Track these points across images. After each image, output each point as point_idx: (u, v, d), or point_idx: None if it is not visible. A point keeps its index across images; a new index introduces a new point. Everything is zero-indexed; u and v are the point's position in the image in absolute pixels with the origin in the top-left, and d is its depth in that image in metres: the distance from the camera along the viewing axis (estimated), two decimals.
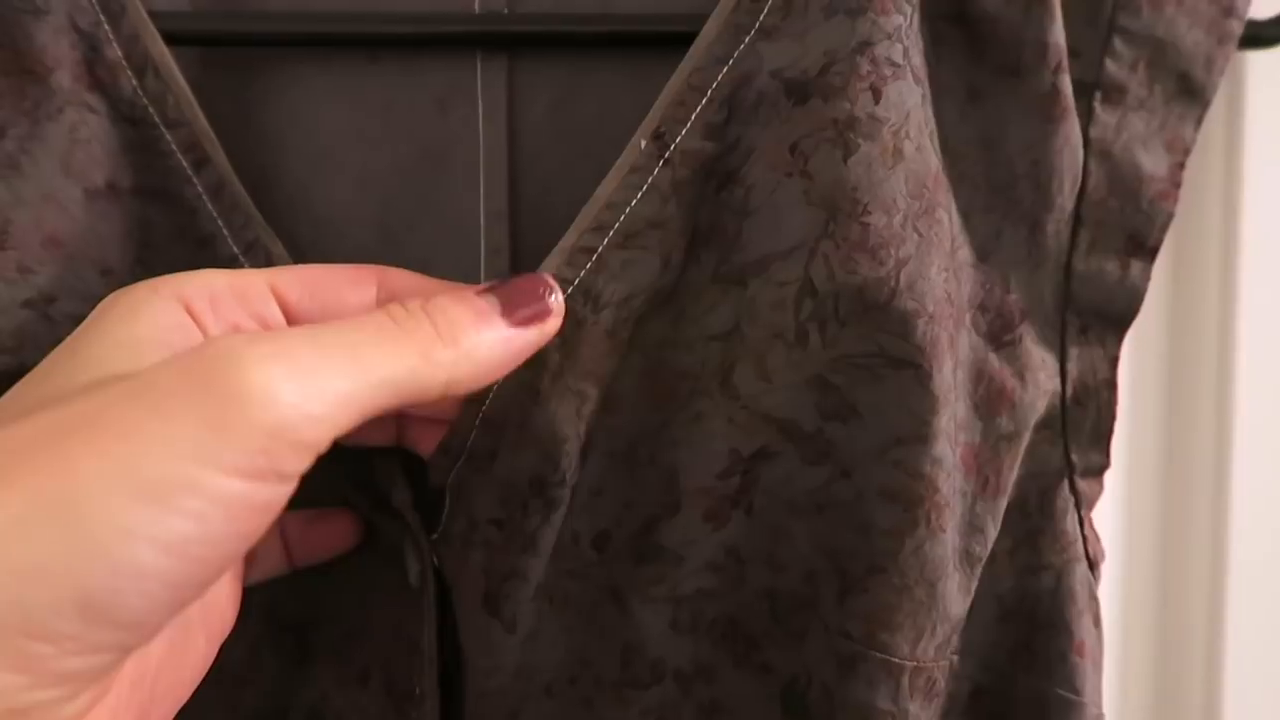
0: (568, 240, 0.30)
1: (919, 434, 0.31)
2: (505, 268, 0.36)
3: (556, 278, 0.30)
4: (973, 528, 0.33)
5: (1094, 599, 0.35)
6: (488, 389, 0.31)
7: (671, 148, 0.30)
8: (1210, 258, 0.51)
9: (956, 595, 0.33)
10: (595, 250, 0.30)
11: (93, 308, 0.26)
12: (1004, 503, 0.34)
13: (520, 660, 0.32)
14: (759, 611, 0.34)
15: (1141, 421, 0.52)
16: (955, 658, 0.35)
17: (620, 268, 0.30)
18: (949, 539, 0.32)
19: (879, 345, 0.31)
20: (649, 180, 0.30)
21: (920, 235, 0.31)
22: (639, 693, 0.33)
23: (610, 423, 0.32)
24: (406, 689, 0.32)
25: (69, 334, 0.26)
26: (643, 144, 0.30)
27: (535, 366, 0.30)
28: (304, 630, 0.35)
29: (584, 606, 0.33)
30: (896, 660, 0.32)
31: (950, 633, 0.33)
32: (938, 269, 0.31)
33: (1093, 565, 0.36)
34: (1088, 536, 0.35)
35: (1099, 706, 0.35)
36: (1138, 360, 0.52)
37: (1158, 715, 0.53)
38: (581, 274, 0.30)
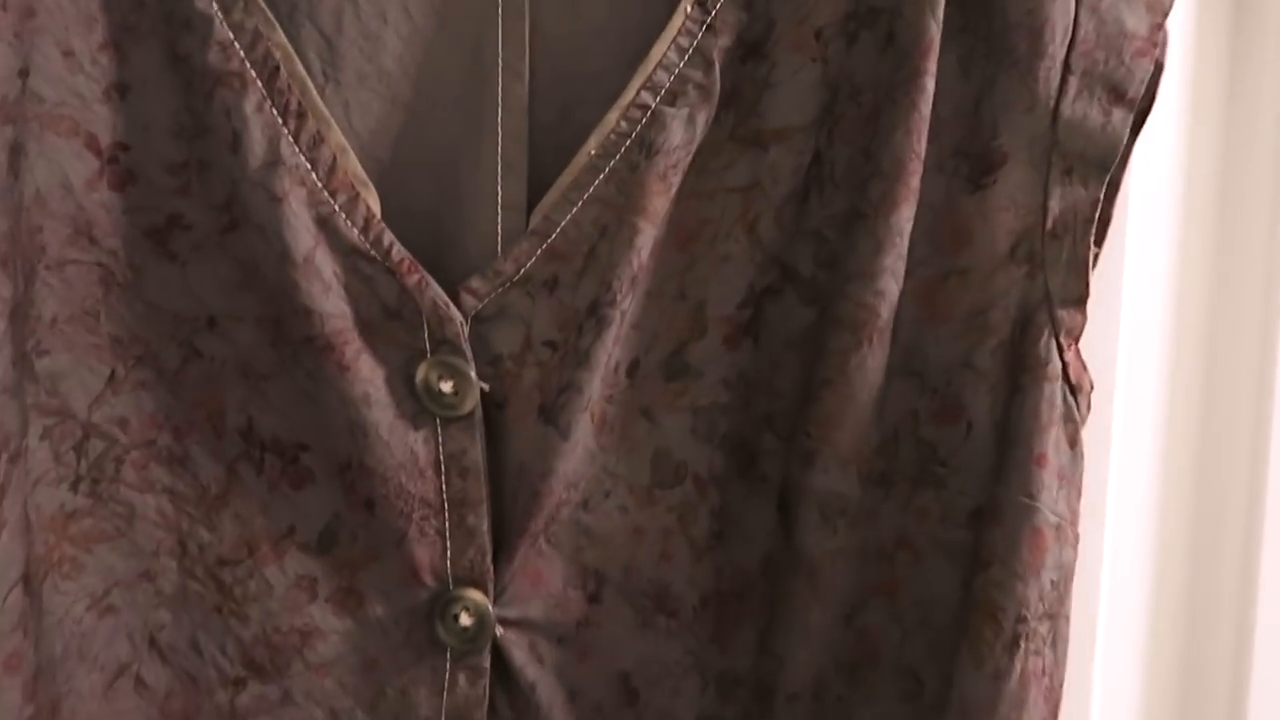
0: (624, 99, 0.37)
1: (865, 271, 0.38)
2: (522, 154, 0.40)
3: (615, 131, 0.37)
4: (914, 347, 0.39)
5: (1070, 420, 0.39)
6: (549, 221, 0.38)
7: (713, 14, 0.37)
8: (1255, 261, 0.51)
9: (893, 402, 0.39)
10: (649, 107, 0.37)
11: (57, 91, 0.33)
12: (953, 328, 0.39)
13: (568, 470, 0.39)
14: (760, 433, 0.41)
15: (1177, 424, 0.53)
16: (943, 470, 0.40)
17: (669, 121, 0.37)
18: (886, 357, 0.38)
19: (851, 202, 0.38)
20: (694, 44, 0.37)
21: (895, 102, 0.37)
22: (665, 492, 0.41)
23: (648, 264, 0.39)
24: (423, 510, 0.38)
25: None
26: (688, 9, 0.37)
27: (597, 205, 0.38)
28: (295, 454, 0.39)
29: (617, 426, 0.40)
30: (843, 452, 0.39)
31: (890, 435, 0.39)
32: (904, 131, 0.37)
33: (1075, 390, 0.39)
34: (1068, 362, 0.39)
35: (1062, 517, 0.39)
36: (1177, 364, 0.53)
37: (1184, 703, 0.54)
38: (638, 127, 0.37)
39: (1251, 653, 0.54)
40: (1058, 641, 0.40)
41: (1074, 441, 0.39)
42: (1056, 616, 0.39)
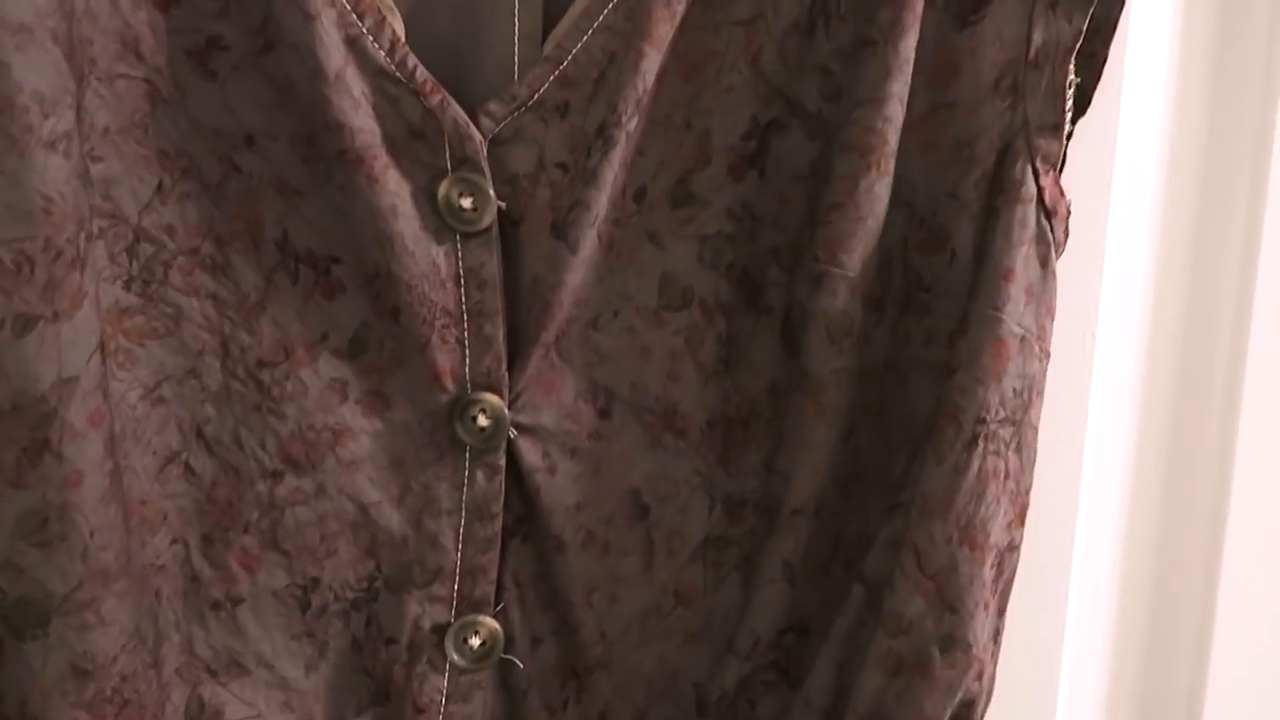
0: None
1: (874, 97, 0.40)
2: None
3: None
4: (904, 178, 0.42)
5: (1043, 242, 0.42)
6: (561, 49, 0.40)
7: None
8: (1230, 259, 0.52)
9: (888, 230, 0.42)
10: None
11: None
12: (940, 160, 0.42)
13: (576, 284, 0.42)
14: (767, 265, 0.44)
15: (1149, 422, 0.55)
16: (928, 296, 0.43)
17: None
18: (890, 184, 0.41)
19: (859, 33, 0.40)
20: None
21: None
22: (672, 315, 0.44)
23: (654, 93, 0.42)
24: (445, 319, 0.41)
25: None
26: None
27: (606, 33, 0.40)
28: (327, 265, 0.41)
29: (625, 249, 0.43)
30: (851, 274, 0.41)
31: (884, 261, 0.42)
32: None
33: (1049, 214, 0.42)
34: (1043, 187, 0.42)
35: (1028, 330, 0.42)
36: (1151, 358, 0.55)
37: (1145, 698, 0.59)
38: None
39: (1209, 653, 0.58)
40: (1022, 448, 0.43)
41: (1045, 261, 0.42)
42: (1020, 424, 0.43)
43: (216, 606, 0.43)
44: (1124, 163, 0.53)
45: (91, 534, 0.38)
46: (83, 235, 0.37)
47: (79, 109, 0.37)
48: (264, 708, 0.44)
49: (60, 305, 0.37)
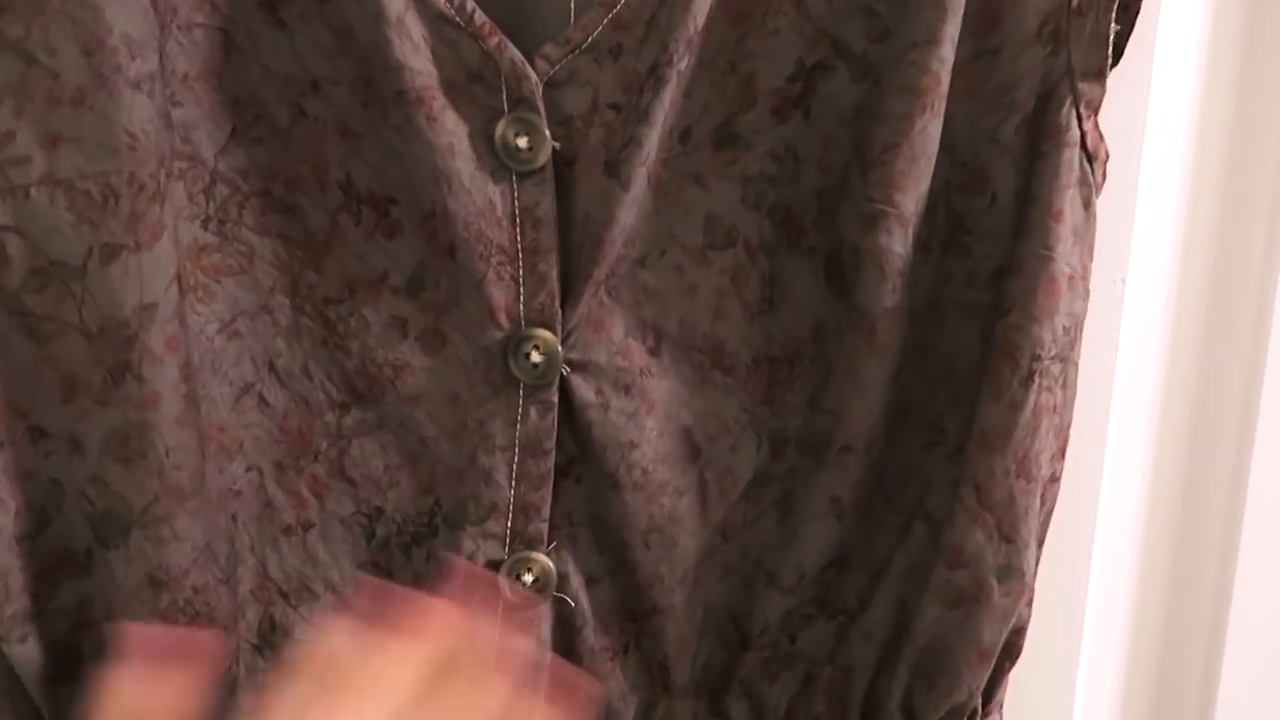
0: None
1: (931, 38, 0.41)
2: None
3: None
4: (948, 122, 0.43)
5: (1085, 184, 0.43)
6: None
7: None
8: (1260, 205, 0.52)
9: (935, 169, 0.43)
10: None
11: None
12: (982, 105, 0.43)
13: (627, 221, 0.43)
14: (809, 207, 0.45)
15: (1176, 365, 0.56)
16: (968, 238, 0.44)
17: None
18: (940, 124, 0.42)
19: None
20: None
21: None
22: (718, 253, 0.45)
23: (701, 37, 0.43)
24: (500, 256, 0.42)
25: None
26: None
27: None
28: (386, 206, 0.43)
29: (671, 189, 0.45)
30: (905, 214, 0.43)
31: (931, 203, 0.44)
32: None
33: (1091, 158, 0.43)
34: (1085, 132, 0.43)
35: (1075, 270, 0.43)
36: (1180, 302, 0.55)
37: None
38: None
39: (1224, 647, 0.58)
40: (1067, 384, 0.44)
41: (1087, 204, 0.43)
42: (1067, 360, 0.44)
43: (288, 531, 0.45)
44: (1157, 108, 0.53)
45: (167, 453, 0.41)
46: (163, 172, 0.40)
47: (162, 55, 0.40)
48: None
49: (141, 236, 0.39)
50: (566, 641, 0.48)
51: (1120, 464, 0.58)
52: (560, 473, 0.46)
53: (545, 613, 0.47)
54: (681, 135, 0.44)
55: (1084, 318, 0.44)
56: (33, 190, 0.39)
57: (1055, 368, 0.43)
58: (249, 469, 0.45)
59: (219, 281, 0.43)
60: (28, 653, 0.43)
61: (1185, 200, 0.55)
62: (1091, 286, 0.44)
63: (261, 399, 0.44)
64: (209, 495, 0.43)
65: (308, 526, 0.45)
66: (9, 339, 0.41)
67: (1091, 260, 0.44)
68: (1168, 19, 0.52)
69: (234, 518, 0.45)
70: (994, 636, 0.46)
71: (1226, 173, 0.55)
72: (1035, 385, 0.43)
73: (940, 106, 0.42)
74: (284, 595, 0.46)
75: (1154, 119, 0.53)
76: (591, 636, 0.47)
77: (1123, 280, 0.53)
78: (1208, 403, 0.58)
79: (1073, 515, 0.56)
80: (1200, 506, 0.59)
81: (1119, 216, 0.52)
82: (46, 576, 0.43)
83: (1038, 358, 0.43)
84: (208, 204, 0.42)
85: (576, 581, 0.47)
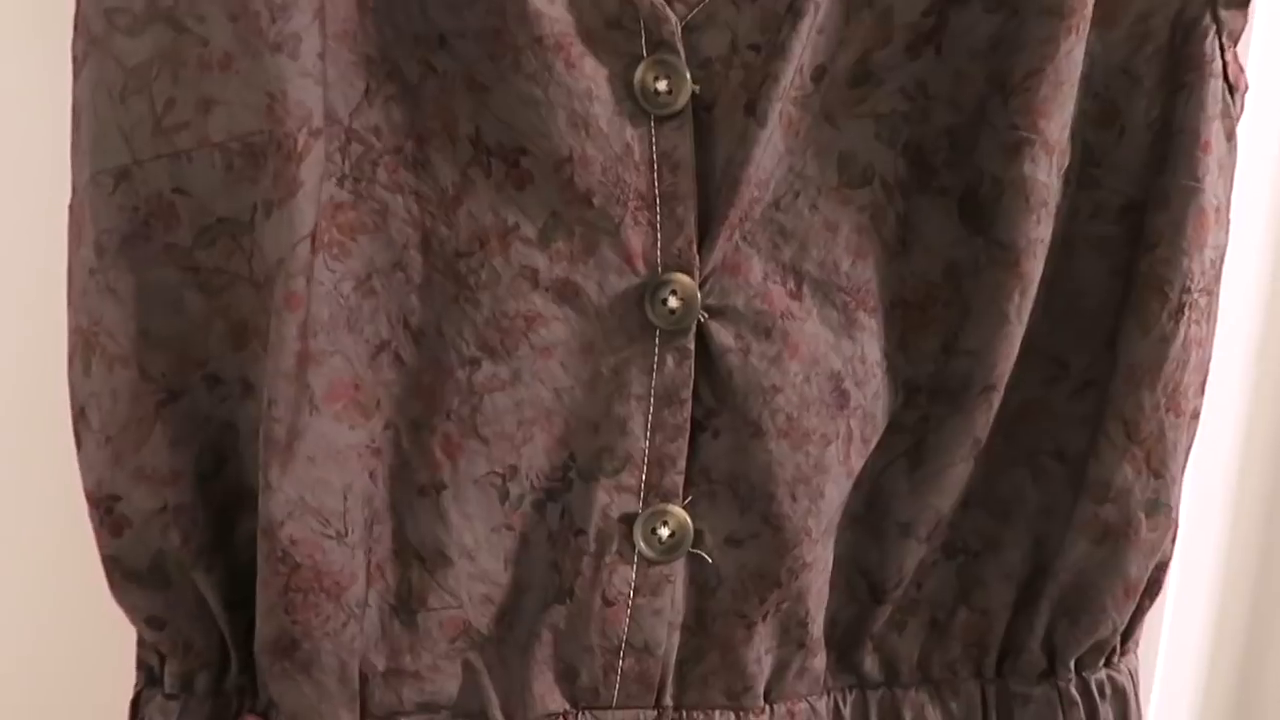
0: None
1: None
2: None
3: None
4: (1089, 45, 0.43)
5: (1227, 116, 0.43)
6: None
7: None
8: None
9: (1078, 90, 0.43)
10: None
11: None
12: (1117, 34, 0.43)
13: (764, 162, 0.43)
14: (940, 146, 0.45)
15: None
16: (1097, 170, 0.44)
17: None
18: (1083, 50, 0.42)
19: None
20: None
21: None
22: (854, 191, 0.45)
23: None
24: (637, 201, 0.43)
25: None
26: None
27: None
28: (515, 158, 0.43)
29: (803, 129, 0.44)
30: (1050, 141, 0.43)
31: (1071, 130, 0.43)
32: None
33: (1232, 89, 0.43)
34: (1228, 62, 0.42)
35: (1221, 201, 0.43)
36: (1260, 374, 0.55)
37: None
38: None
39: None
40: (1211, 318, 0.44)
41: (1230, 134, 0.43)
42: (1212, 293, 0.44)
43: (423, 492, 0.45)
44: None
45: (270, 404, 0.41)
46: (303, 131, 0.40)
47: (322, 12, 0.40)
48: (465, 598, 0.45)
49: (279, 193, 0.40)
50: (700, 604, 0.47)
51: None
52: (697, 427, 0.45)
53: (679, 571, 0.47)
54: (815, 73, 0.43)
55: (1226, 249, 0.44)
56: (194, 154, 0.40)
57: (1203, 300, 0.43)
58: (387, 427, 0.44)
59: (354, 239, 0.43)
60: (212, 581, 0.44)
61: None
62: None
63: (397, 356, 0.44)
64: (316, 451, 0.43)
65: (441, 488, 0.45)
66: (182, 294, 0.42)
67: (1232, 193, 0.44)
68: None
69: (372, 475, 0.44)
70: (1140, 571, 0.46)
71: None
72: (1185, 318, 0.43)
73: (1084, 30, 0.42)
74: (421, 560, 0.45)
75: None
76: (728, 599, 0.47)
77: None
78: None
79: None
80: None
81: None
82: (226, 512, 0.45)
83: (1187, 290, 0.43)
84: (343, 162, 0.42)
85: (714, 541, 0.46)
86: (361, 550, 0.44)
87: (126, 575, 0.44)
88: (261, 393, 0.42)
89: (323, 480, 0.43)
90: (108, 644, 0.50)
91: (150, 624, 0.44)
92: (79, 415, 0.43)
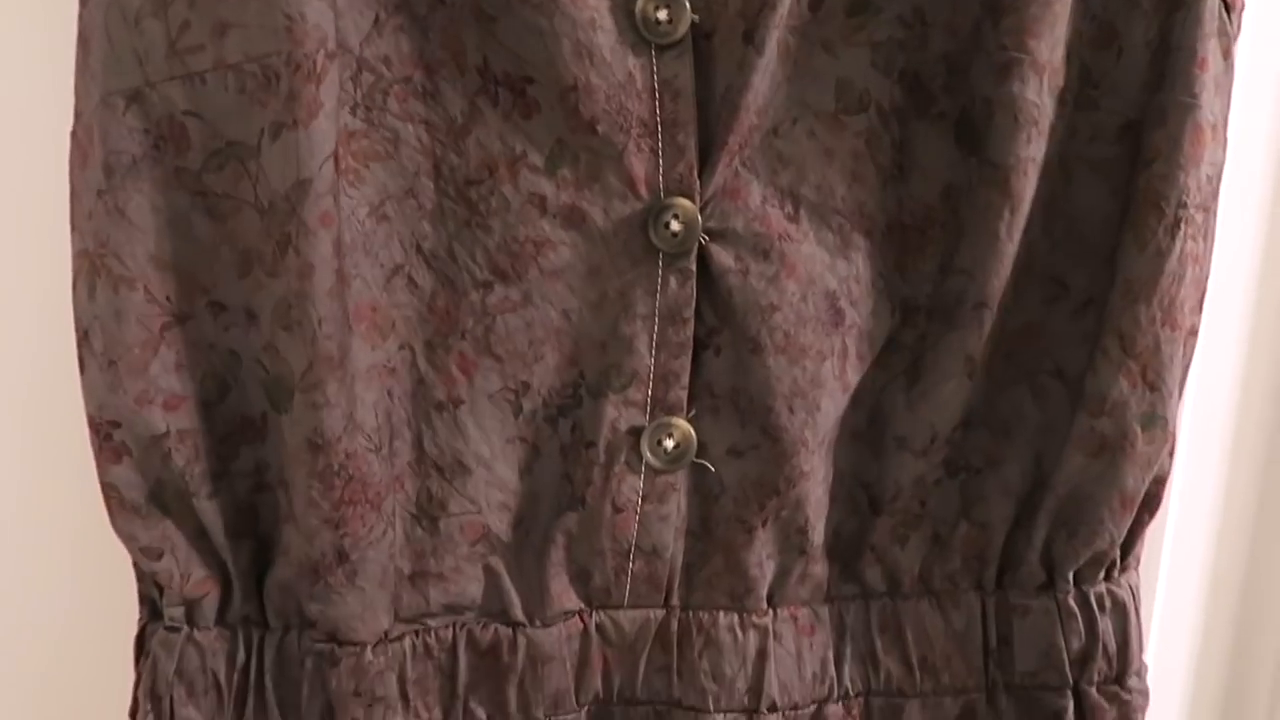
0: None
1: None
2: None
3: None
4: None
5: (1224, 34, 0.43)
6: None
7: None
8: None
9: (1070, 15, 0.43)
10: None
11: None
12: None
13: (762, 88, 0.44)
14: (938, 72, 0.45)
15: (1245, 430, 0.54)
16: (1095, 92, 0.44)
17: None
18: None
19: None
20: None
21: None
22: (851, 117, 0.46)
23: None
24: (640, 128, 0.43)
25: None
26: None
27: None
28: (522, 86, 0.44)
29: (801, 58, 0.45)
30: (1039, 60, 0.43)
31: (1065, 51, 0.43)
32: None
33: (1229, 7, 0.43)
34: None
35: (1217, 118, 0.43)
36: (1249, 368, 0.53)
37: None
38: None
39: None
40: (1208, 235, 0.45)
41: (1227, 53, 0.43)
42: (1209, 210, 0.44)
43: (440, 407, 0.47)
44: None
45: (320, 322, 0.43)
46: (320, 53, 0.41)
47: None
48: (484, 504, 0.48)
49: (299, 114, 0.41)
50: (704, 510, 0.49)
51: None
52: (700, 344, 0.47)
53: (683, 480, 0.49)
54: (812, 3, 0.44)
55: (1223, 167, 0.44)
56: (208, 76, 0.41)
57: (1199, 216, 0.44)
58: (402, 347, 0.47)
59: (367, 166, 0.45)
60: (214, 509, 0.46)
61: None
62: None
63: (410, 280, 0.46)
64: (355, 368, 0.45)
65: (458, 403, 0.47)
66: (190, 219, 0.43)
67: (1229, 110, 0.44)
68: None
69: (390, 393, 0.47)
70: (1137, 484, 0.47)
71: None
72: (1181, 233, 0.43)
73: None
74: (439, 469, 0.48)
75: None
76: (731, 506, 0.49)
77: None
78: None
79: None
80: None
81: None
82: (228, 440, 0.46)
83: (1184, 205, 0.43)
84: (355, 91, 0.44)
85: (717, 452, 0.48)
86: (388, 463, 0.47)
87: (124, 504, 0.45)
88: (262, 321, 0.44)
89: (362, 397, 0.45)
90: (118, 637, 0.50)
91: (147, 554, 0.46)
92: (83, 339, 0.44)
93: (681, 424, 0.48)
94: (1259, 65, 0.54)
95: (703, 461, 0.49)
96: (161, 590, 0.47)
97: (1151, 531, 0.51)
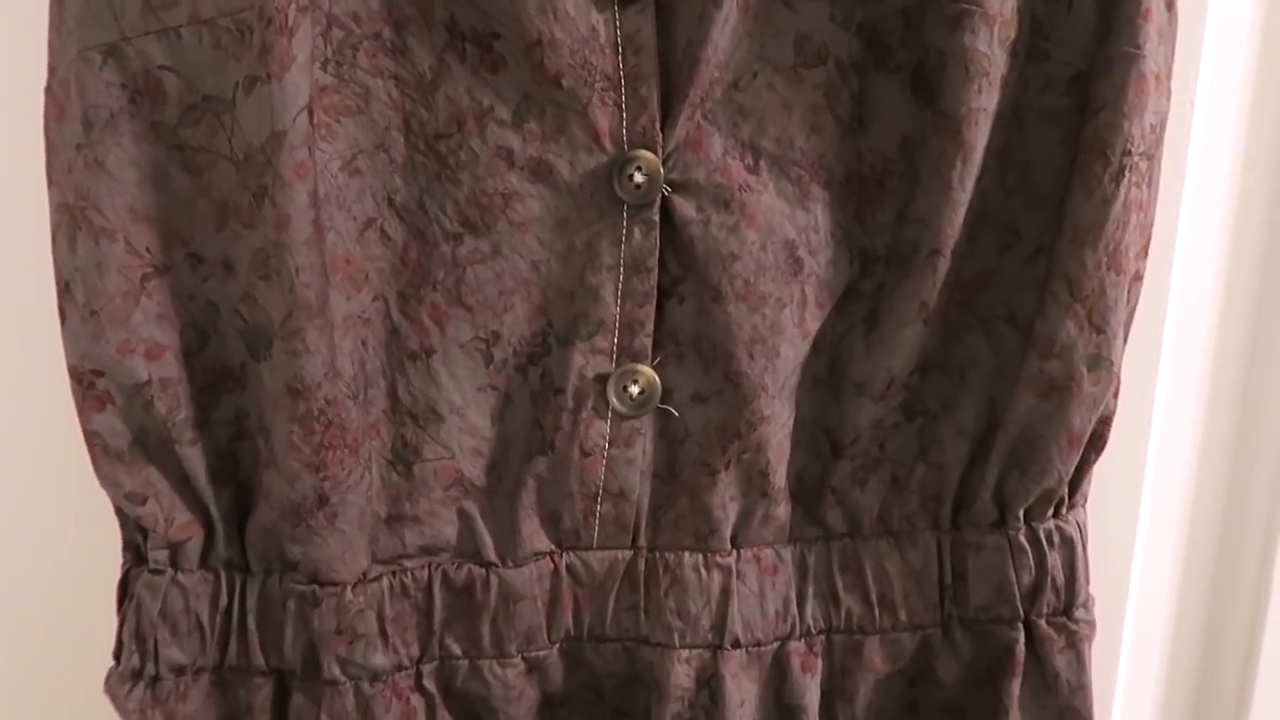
0: None
1: None
2: None
3: None
4: None
5: None
6: None
7: None
8: None
9: None
10: None
11: None
12: None
13: (722, 42, 0.45)
14: (895, 25, 0.46)
15: (1248, 193, 0.56)
16: (1046, 44, 0.45)
17: None
18: None
19: None
20: None
21: None
22: (809, 71, 0.47)
23: None
24: (602, 79, 0.44)
25: None
26: None
27: None
28: (489, 42, 0.45)
29: (760, 13, 0.46)
30: (990, 12, 0.44)
31: (1018, 4, 0.45)
32: None
33: None
34: None
35: (1161, 68, 0.44)
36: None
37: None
38: None
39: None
40: (1152, 182, 0.46)
41: (1170, 4, 0.44)
42: (1152, 158, 0.46)
43: (413, 357, 0.49)
44: None
45: (298, 271, 0.44)
46: (292, 7, 0.42)
47: None
48: (457, 450, 0.50)
49: (272, 67, 0.42)
50: (669, 454, 0.51)
51: (1184, 296, 0.59)
52: (664, 293, 0.49)
53: (649, 425, 0.50)
54: None
55: (1167, 116, 0.46)
56: (183, 30, 0.42)
57: (1143, 164, 0.45)
58: (376, 298, 0.48)
59: (339, 121, 0.46)
60: (196, 455, 0.48)
61: (1258, 19, 0.55)
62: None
63: (383, 232, 0.48)
64: (332, 317, 0.46)
65: (430, 352, 0.49)
66: (168, 172, 0.44)
67: (1173, 60, 0.45)
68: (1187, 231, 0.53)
69: (364, 343, 0.48)
70: (1084, 423, 0.49)
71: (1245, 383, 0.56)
72: (1125, 180, 0.45)
73: None
74: (413, 417, 0.49)
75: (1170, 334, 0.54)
76: (695, 450, 0.51)
77: (1191, 104, 0.54)
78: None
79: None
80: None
81: (1188, 42, 0.53)
82: (208, 389, 0.48)
83: (1128, 153, 0.45)
84: (325, 47, 0.45)
85: (681, 397, 0.50)
86: (364, 410, 0.48)
87: (108, 451, 0.46)
88: (240, 272, 0.45)
89: (340, 345, 0.47)
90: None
91: (132, 499, 0.47)
92: (64, 291, 0.45)
93: (646, 371, 0.49)
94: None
95: (667, 407, 0.50)
96: (146, 534, 0.48)
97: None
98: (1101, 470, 0.52)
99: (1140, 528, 0.60)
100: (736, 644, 0.52)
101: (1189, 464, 0.60)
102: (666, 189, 0.47)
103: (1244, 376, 0.60)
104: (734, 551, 0.52)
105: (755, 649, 0.52)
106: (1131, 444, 0.58)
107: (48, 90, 0.44)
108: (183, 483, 0.48)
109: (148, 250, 0.45)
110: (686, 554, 0.52)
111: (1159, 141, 0.46)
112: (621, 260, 0.48)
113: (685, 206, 0.47)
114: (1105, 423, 0.50)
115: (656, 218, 0.47)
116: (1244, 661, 0.62)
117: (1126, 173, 0.45)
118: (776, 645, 0.53)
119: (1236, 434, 0.60)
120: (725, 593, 0.52)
